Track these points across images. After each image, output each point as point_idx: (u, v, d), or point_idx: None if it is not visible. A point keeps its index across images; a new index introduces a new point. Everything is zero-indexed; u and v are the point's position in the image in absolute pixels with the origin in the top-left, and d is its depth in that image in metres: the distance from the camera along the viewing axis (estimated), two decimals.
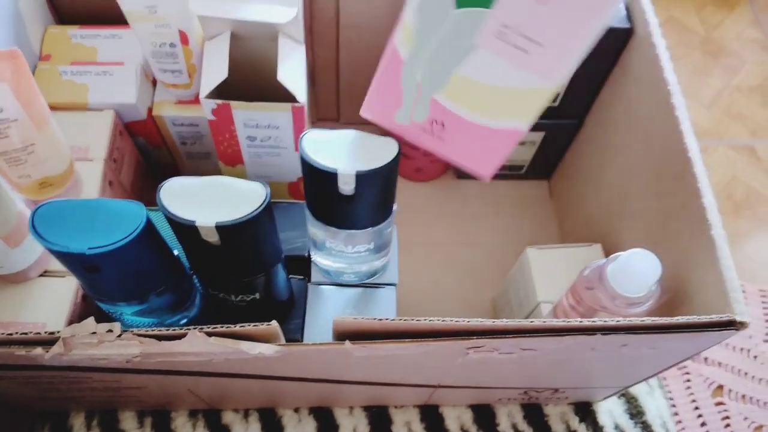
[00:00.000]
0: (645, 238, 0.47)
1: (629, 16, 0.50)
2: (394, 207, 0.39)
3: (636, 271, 0.38)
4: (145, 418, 0.54)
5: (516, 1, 0.28)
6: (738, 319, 0.36)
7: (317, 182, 0.35)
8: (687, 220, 0.42)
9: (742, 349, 1.14)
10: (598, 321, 0.35)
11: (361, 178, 0.33)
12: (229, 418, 0.54)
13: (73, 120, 0.49)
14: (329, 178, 0.33)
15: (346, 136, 0.35)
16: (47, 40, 0.53)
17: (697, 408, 1.09)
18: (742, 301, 0.37)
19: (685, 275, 0.42)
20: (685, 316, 0.36)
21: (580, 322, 0.35)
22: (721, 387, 1.11)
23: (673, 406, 1.09)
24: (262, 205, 0.31)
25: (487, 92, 0.31)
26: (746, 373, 1.11)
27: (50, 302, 0.42)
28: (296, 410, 0.55)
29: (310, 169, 0.34)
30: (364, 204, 0.36)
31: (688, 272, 0.42)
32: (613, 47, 0.51)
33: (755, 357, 1.13)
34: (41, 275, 0.43)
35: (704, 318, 0.35)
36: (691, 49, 1.60)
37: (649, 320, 0.35)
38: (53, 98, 0.49)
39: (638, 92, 0.49)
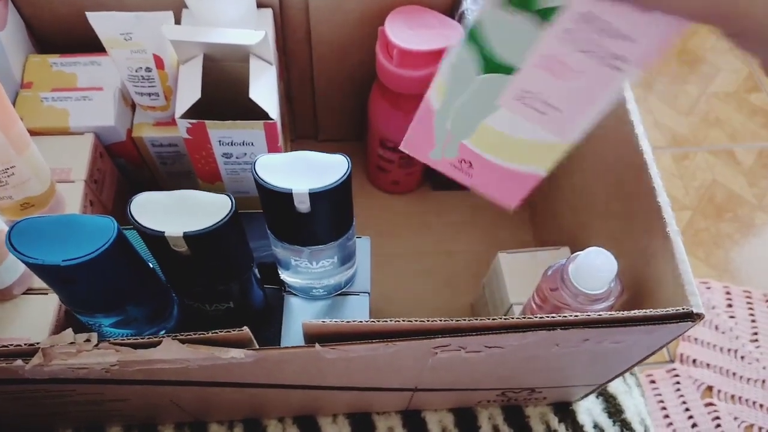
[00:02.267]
0: (609, 238, 0.49)
1: None
2: (354, 221, 0.41)
3: (594, 269, 0.39)
4: None
5: (536, 73, 0.31)
6: (694, 310, 0.37)
7: (274, 204, 0.36)
8: (644, 220, 0.44)
9: (729, 350, 1.15)
10: (557, 317, 0.36)
11: (315, 196, 0.34)
12: (214, 430, 0.55)
13: (55, 143, 0.51)
14: (285, 198, 0.34)
15: (298, 157, 0.36)
16: (28, 68, 0.55)
17: (687, 409, 1.10)
18: (698, 294, 0.39)
19: (645, 272, 0.44)
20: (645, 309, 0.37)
21: (540, 317, 0.36)
22: (710, 388, 1.12)
23: (664, 408, 1.10)
24: (228, 214, 0.33)
25: (509, 142, 0.35)
26: (734, 374, 1.13)
27: (34, 318, 0.44)
28: (280, 420, 0.56)
29: (265, 192, 0.35)
30: (322, 220, 0.37)
31: (648, 269, 0.43)
32: None
33: (742, 357, 1.14)
34: (25, 293, 0.45)
35: (661, 311, 0.37)
36: (668, 58, 1.64)
37: (606, 314, 0.37)
38: (35, 123, 0.51)
39: None
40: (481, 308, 0.59)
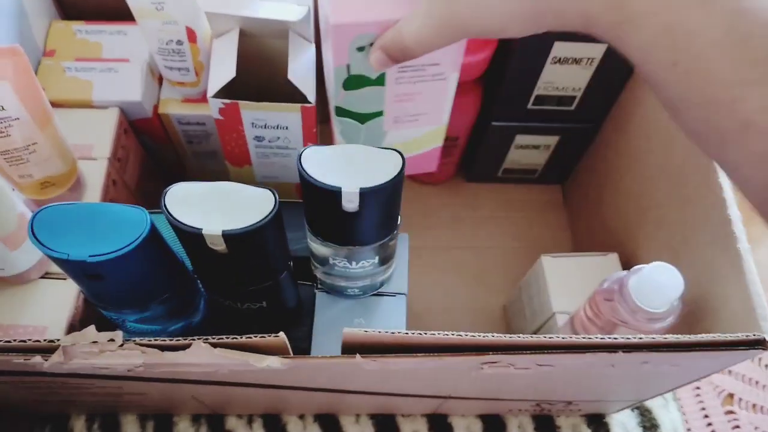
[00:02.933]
0: (664, 248, 0.46)
1: None
2: (399, 219, 0.38)
3: (658, 286, 0.36)
4: (147, 422, 0.53)
5: (396, 106, 0.43)
6: (767, 337, 0.34)
7: (319, 200, 0.33)
8: (710, 232, 0.41)
9: (752, 359, 1.12)
10: (620, 338, 0.33)
11: (366, 195, 0.31)
12: (232, 423, 0.53)
13: (77, 117, 0.48)
14: (332, 196, 0.31)
15: (347, 150, 0.33)
16: (51, 35, 0.51)
17: (706, 416, 1.07)
18: None
19: (707, 289, 0.40)
20: (709, 333, 0.34)
21: (602, 339, 0.33)
22: (731, 396, 1.09)
23: (683, 414, 1.07)
24: (271, 213, 0.30)
25: (408, 143, 0.47)
26: (757, 382, 1.09)
27: (51, 305, 0.41)
28: (301, 417, 0.54)
29: (311, 188, 0.32)
30: (368, 220, 0.34)
31: (711, 286, 0.40)
32: None
33: (766, 366, 1.11)
34: (42, 277, 0.42)
35: (731, 336, 0.34)
36: None
37: (672, 338, 0.34)
38: (57, 94, 0.48)
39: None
40: (516, 312, 0.56)
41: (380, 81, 0.41)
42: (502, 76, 0.51)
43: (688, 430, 1.05)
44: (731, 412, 1.07)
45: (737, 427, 1.05)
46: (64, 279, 0.43)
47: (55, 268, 0.43)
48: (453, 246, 0.64)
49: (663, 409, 0.57)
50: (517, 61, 0.49)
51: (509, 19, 0.29)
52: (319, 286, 0.44)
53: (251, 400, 0.47)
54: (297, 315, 0.43)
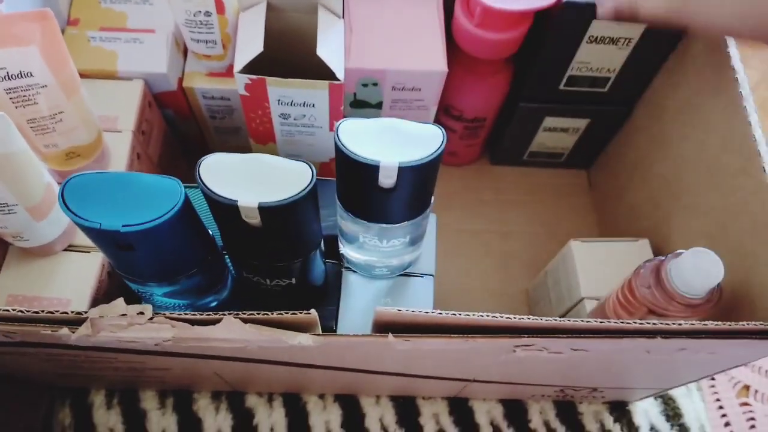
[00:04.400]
0: (700, 235, 0.45)
1: None
2: (433, 198, 0.37)
3: (699, 271, 0.35)
4: (166, 399, 0.52)
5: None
6: None
7: (355, 175, 0.32)
8: (749, 220, 0.40)
9: None
10: (659, 323, 0.32)
11: (404, 171, 0.30)
12: (252, 401, 0.53)
13: (101, 88, 0.47)
14: (370, 171, 0.30)
15: (385, 124, 0.32)
16: (76, 3, 0.50)
17: (721, 407, 1.06)
18: None
19: (746, 278, 0.39)
20: (749, 321, 0.33)
21: (640, 323, 0.32)
22: (747, 387, 1.08)
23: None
24: (308, 186, 0.29)
25: None
26: None
27: (75, 277, 0.41)
28: (321, 396, 0.53)
29: (347, 161, 0.31)
30: (404, 197, 0.33)
31: (751, 275, 0.39)
32: (671, 31, 0.48)
33: None
34: (66, 249, 0.42)
35: None
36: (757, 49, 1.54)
37: (712, 324, 0.33)
38: (81, 65, 0.47)
39: (698, 81, 0.46)
40: (541, 297, 0.55)
41: (378, 106, 0.52)
42: (536, 54, 0.50)
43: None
44: (746, 404, 1.06)
45: (752, 419, 1.05)
46: (88, 252, 0.42)
47: (78, 241, 0.42)
48: (477, 229, 0.63)
49: (686, 398, 0.56)
50: (552, 37, 0.48)
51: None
52: (346, 265, 0.43)
53: (273, 378, 0.47)
54: (324, 293, 0.42)
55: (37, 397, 0.51)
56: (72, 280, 0.41)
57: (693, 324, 0.33)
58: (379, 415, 0.53)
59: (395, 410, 0.53)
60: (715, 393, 1.06)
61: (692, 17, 0.38)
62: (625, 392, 0.52)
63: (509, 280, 0.60)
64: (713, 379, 1.08)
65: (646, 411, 0.55)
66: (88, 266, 0.41)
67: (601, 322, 0.32)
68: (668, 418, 0.55)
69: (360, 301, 0.42)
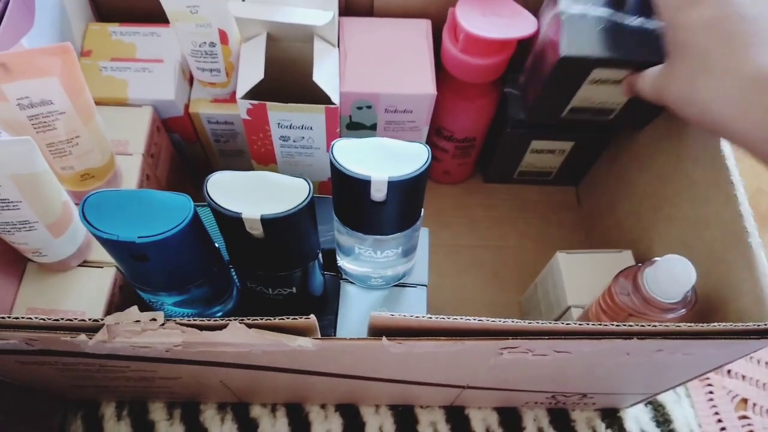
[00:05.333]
0: (678, 244, 0.47)
1: None
2: (422, 211, 0.40)
3: (672, 277, 0.38)
4: (174, 410, 0.55)
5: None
6: None
7: (348, 190, 0.35)
8: (721, 228, 0.42)
9: (767, 363, 1.12)
10: (635, 325, 0.34)
11: (393, 185, 0.33)
12: (256, 411, 0.55)
13: (113, 114, 0.50)
14: (362, 185, 0.33)
15: (375, 143, 0.35)
16: (88, 36, 0.54)
17: (720, 421, 1.07)
18: None
19: (719, 283, 0.42)
20: (721, 322, 0.35)
21: (617, 325, 0.35)
22: (744, 401, 1.09)
23: (695, 411, 1.08)
24: (306, 199, 0.31)
25: None
26: None
27: (89, 291, 0.43)
28: (323, 406, 0.56)
29: (341, 177, 0.34)
30: (395, 210, 0.36)
31: (723, 280, 0.41)
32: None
33: None
34: (80, 265, 0.44)
35: (742, 326, 0.35)
36: None
37: (685, 326, 0.35)
38: (94, 93, 0.49)
39: None
40: (532, 308, 0.57)
41: (373, 127, 0.55)
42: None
43: None
44: (745, 416, 1.07)
45: (751, 431, 1.06)
46: (101, 267, 0.45)
47: (93, 257, 0.45)
48: (470, 244, 0.65)
49: (676, 404, 0.58)
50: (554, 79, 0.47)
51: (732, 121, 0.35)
52: (344, 277, 0.46)
53: (277, 386, 0.49)
54: (323, 303, 0.45)
55: (51, 409, 0.53)
56: (86, 293, 0.43)
57: (668, 326, 0.35)
58: (378, 423, 0.55)
59: (394, 419, 0.55)
60: (714, 407, 1.08)
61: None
62: (614, 398, 0.54)
63: (502, 293, 0.62)
64: (711, 393, 1.09)
65: (636, 417, 0.57)
66: (101, 280, 0.44)
67: (580, 325, 0.35)
68: (658, 424, 0.57)
69: (357, 311, 0.44)
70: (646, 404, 0.57)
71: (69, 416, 0.54)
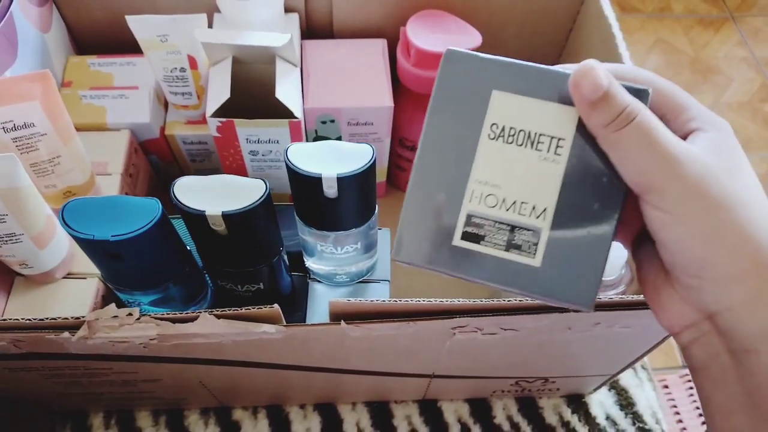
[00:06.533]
0: None
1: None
2: (376, 209, 0.43)
3: None
4: (159, 417, 0.57)
5: None
6: None
7: (304, 188, 0.39)
8: None
9: None
10: None
11: (343, 180, 0.37)
12: (238, 414, 0.58)
13: (93, 139, 0.54)
14: (314, 183, 0.37)
15: (326, 145, 0.39)
16: (68, 68, 0.58)
17: (701, 415, 1.10)
18: None
19: None
20: None
21: None
22: None
23: (677, 413, 1.11)
24: (263, 196, 0.35)
25: None
26: None
27: (73, 301, 0.46)
28: (302, 407, 0.58)
29: (296, 177, 0.38)
30: (348, 206, 0.40)
31: None
32: None
33: None
34: (65, 277, 0.47)
35: None
36: (681, 68, 1.65)
37: (617, 298, 0.39)
38: (75, 119, 0.53)
39: None
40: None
41: (338, 139, 0.57)
42: None
43: (683, 429, 1.08)
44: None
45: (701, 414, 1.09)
46: (84, 278, 0.48)
47: (76, 268, 0.48)
48: None
49: (638, 388, 0.61)
50: None
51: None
52: (312, 276, 0.49)
53: (256, 385, 0.52)
54: (292, 301, 0.48)
55: (40, 420, 0.56)
56: (70, 303, 0.46)
57: (600, 298, 0.39)
58: (355, 419, 0.58)
59: (370, 414, 0.58)
60: (695, 401, 1.10)
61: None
62: (576, 382, 0.57)
63: (471, 294, 0.66)
64: (692, 388, 1.12)
65: (601, 402, 0.60)
66: (85, 291, 0.47)
67: (520, 301, 0.38)
68: (622, 407, 0.60)
69: (324, 307, 0.48)
70: (609, 389, 0.61)
71: (57, 428, 0.56)
